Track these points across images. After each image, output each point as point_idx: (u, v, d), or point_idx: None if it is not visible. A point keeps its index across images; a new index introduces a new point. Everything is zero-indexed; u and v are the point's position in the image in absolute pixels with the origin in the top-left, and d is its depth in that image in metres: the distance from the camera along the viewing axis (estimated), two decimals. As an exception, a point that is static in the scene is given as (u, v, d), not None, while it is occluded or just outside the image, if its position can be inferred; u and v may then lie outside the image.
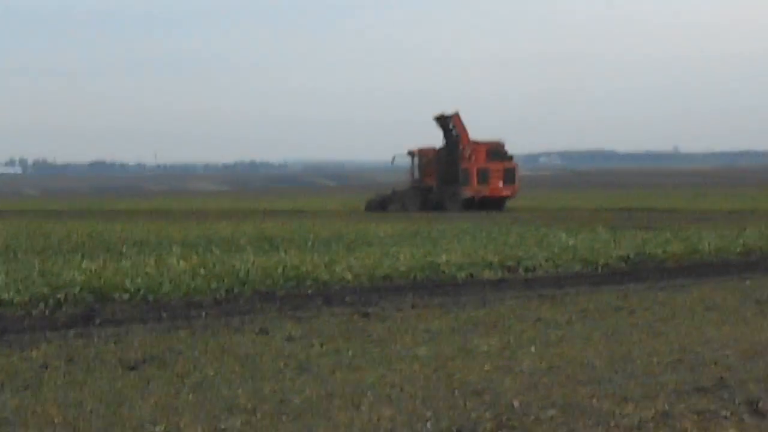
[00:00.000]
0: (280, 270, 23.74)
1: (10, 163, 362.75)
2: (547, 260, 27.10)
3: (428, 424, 10.39)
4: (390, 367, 13.25)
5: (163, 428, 10.27)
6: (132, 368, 13.33)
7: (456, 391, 11.74)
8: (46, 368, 13.36)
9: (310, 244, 33.30)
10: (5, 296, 19.56)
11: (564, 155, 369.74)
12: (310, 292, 21.96)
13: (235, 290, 21.66)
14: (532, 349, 14.46)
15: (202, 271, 23.46)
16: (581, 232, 36.98)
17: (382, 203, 71.20)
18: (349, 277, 23.52)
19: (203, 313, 18.60)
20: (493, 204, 69.01)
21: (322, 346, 14.91)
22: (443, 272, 24.92)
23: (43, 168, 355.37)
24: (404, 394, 11.65)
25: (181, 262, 25.30)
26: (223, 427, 10.34)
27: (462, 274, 24.85)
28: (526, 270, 26.04)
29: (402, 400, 11.33)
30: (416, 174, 72.10)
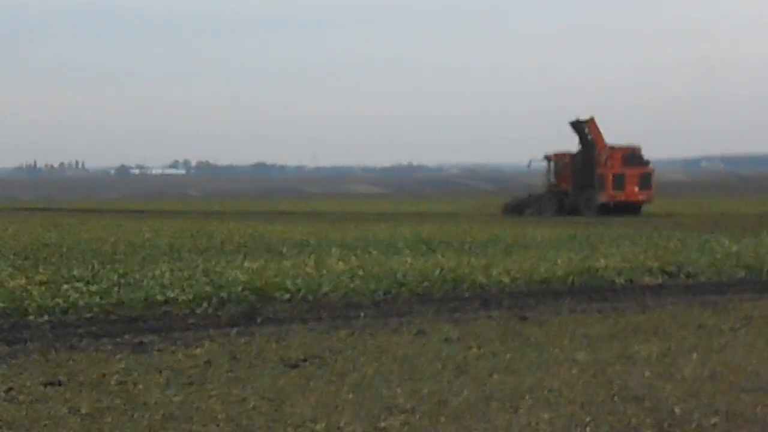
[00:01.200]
0: (437, 272, 23.83)
1: (174, 164, 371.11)
2: (709, 266, 26.63)
3: (587, 429, 10.34)
4: (548, 371, 13.19)
5: (323, 426, 10.42)
6: (293, 367, 13.54)
7: (615, 397, 11.65)
8: (210, 365, 13.67)
9: (467, 247, 33.35)
10: (170, 294, 20.05)
11: (727, 159, 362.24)
12: (467, 295, 21.98)
13: (393, 292, 21.80)
14: (694, 356, 14.24)
15: (360, 272, 23.70)
16: (745, 238, 36.25)
17: (519, 207, 71.77)
18: (507, 280, 23.48)
19: (362, 314, 18.78)
20: (629, 209, 68.41)
21: (479, 348, 14.92)
22: (602, 277, 24.67)
23: (205, 169, 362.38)
24: (563, 398, 11.60)
25: (340, 264, 25.60)
26: (382, 426, 10.44)
27: (621, 279, 24.57)
28: (688, 276, 25.61)
29: (560, 405, 11.28)
30: (552, 179, 72.07)
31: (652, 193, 71.01)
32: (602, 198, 69.07)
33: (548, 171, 72.51)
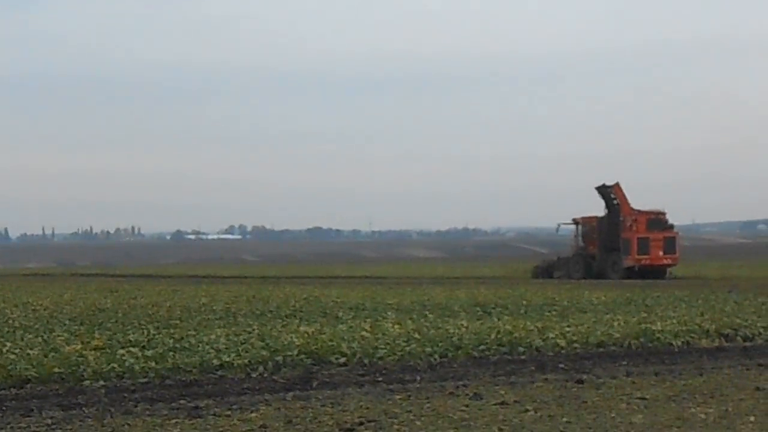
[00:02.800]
0: (493, 336, 23.77)
1: (230, 229, 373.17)
2: (766, 329, 26.38)
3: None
4: (605, 434, 13.10)
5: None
6: (349, 431, 13.54)
7: (673, 460, 11.55)
8: (266, 430, 13.69)
9: (522, 310, 33.25)
10: (226, 359, 20.12)
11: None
12: (523, 358, 21.90)
13: (449, 355, 21.77)
14: (752, 419, 14.11)
15: (416, 336, 23.69)
16: (803, 300, 35.85)
17: (548, 270, 72.73)
18: (563, 343, 23.37)
19: (418, 378, 18.75)
20: (654, 273, 68.58)
21: (536, 412, 14.86)
22: (658, 340, 24.51)
23: (261, 234, 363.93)
24: (620, 462, 11.50)
25: (396, 327, 25.60)
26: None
27: (678, 342, 24.41)
28: (745, 339, 25.41)
29: (617, 468, 11.19)
30: (580, 242, 72.81)
31: (677, 257, 71.49)
32: (627, 262, 69.65)
33: (576, 234, 73.42)
